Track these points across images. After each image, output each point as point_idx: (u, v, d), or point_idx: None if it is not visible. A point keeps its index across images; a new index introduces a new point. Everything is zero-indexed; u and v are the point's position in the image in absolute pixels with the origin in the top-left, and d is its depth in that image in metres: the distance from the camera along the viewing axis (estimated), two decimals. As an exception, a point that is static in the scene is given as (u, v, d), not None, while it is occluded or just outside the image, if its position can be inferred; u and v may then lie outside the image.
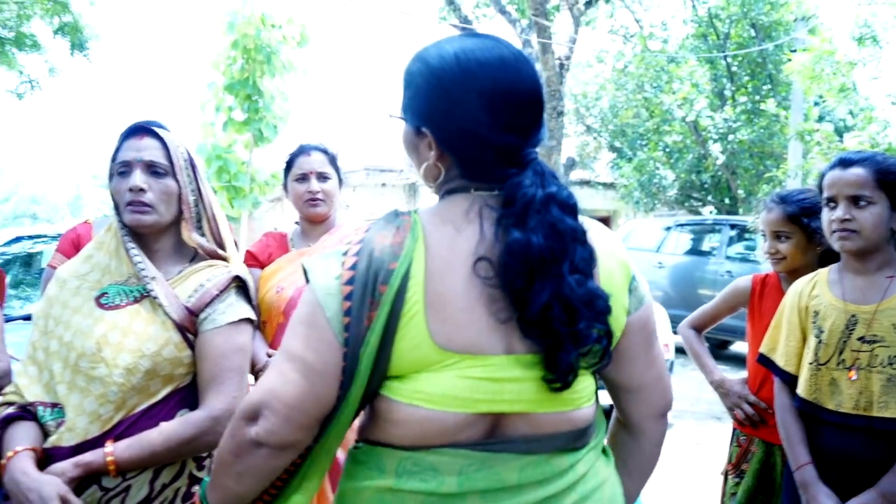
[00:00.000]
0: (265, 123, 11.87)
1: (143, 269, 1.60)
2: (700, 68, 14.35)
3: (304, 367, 1.01)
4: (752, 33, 14.78)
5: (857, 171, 1.79)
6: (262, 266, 2.41)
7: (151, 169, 1.63)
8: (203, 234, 1.69)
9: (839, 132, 11.03)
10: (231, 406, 1.54)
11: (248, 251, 2.48)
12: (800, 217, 2.20)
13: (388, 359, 1.00)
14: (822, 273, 1.97)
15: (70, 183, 42.30)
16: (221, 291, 1.62)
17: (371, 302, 0.98)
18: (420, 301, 0.99)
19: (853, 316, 1.82)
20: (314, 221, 2.43)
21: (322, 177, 2.40)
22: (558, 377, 1.02)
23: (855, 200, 1.79)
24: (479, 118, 1.05)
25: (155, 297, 1.57)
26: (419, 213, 1.09)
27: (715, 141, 14.09)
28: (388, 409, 1.03)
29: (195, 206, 1.68)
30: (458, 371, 1.00)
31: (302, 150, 2.45)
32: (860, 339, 1.79)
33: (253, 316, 1.66)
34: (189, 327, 1.58)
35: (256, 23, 11.35)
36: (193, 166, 1.68)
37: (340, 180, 2.48)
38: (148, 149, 1.63)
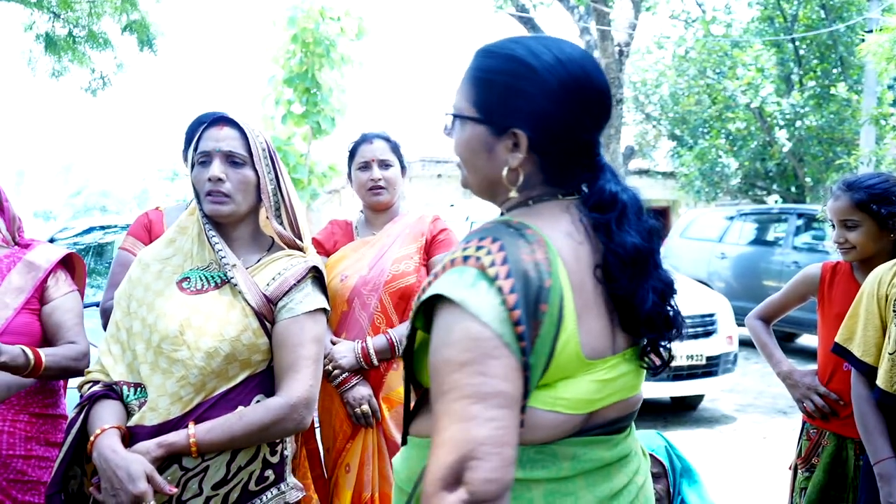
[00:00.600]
0: (323, 116, 12.02)
1: (223, 257, 1.64)
2: (766, 52, 13.88)
3: (505, 400, 0.93)
4: (822, 14, 14.21)
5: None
6: (328, 254, 2.44)
7: (230, 159, 1.66)
8: (282, 224, 1.72)
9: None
10: (308, 394, 1.58)
11: (313, 238, 2.50)
12: (869, 204, 2.10)
13: (542, 374, 1.00)
14: None
15: (137, 177, 43.70)
16: (299, 281, 1.65)
17: (535, 323, 0.96)
18: (572, 315, 1.01)
19: None
20: (377, 210, 2.45)
21: (384, 164, 2.41)
22: (661, 364, 1.14)
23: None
24: (582, 120, 1.08)
25: (235, 284, 1.61)
26: (534, 226, 1.05)
27: (781, 127, 13.60)
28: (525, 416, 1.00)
29: (274, 196, 1.70)
30: (591, 376, 1.04)
31: (364, 139, 2.46)
32: None
33: (328, 306, 1.69)
34: (267, 315, 1.61)
35: (316, 16, 11.48)
36: (273, 155, 1.71)
37: (403, 168, 2.49)
38: (227, 139, 1.67)
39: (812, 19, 14.37)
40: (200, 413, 1.55)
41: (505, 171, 1.09)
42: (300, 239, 1.76)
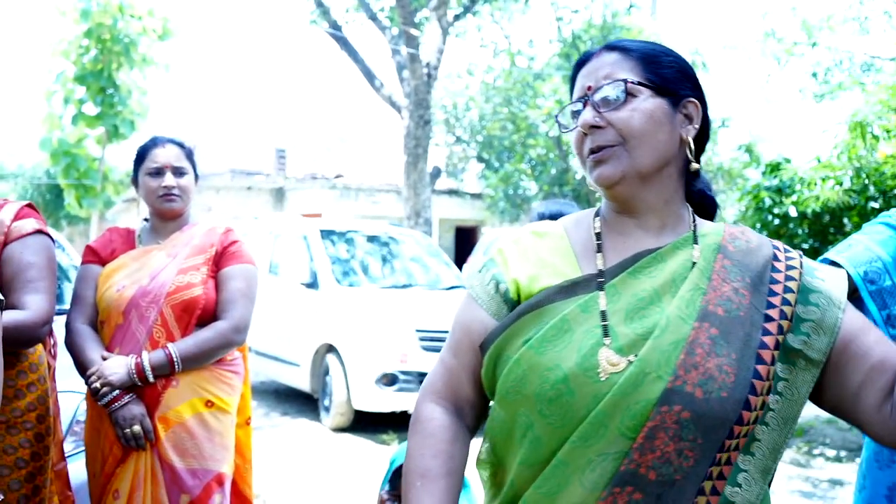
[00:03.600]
0: (121, 119, 11.23)
1: None
2: (564, 86, 15.02)
3: None
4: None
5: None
6: (103, 263, 2.26)
7: None
8: None
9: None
10: None
11: (87, 246, 2.32)
12: None
13: None
14: None
15: None
16: None
17: None
18: None
19: None
20: (167, 218, 2.31)
21: (178, 171, 2.28)
22: None
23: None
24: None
25: None
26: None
27: (575, 156, 14.73)
28: None
29: None
30: None
31: (156, 142, 2.32)
32: None
33: (1, 297, 1.52)
34: None
35: (114, 11, 10.72)
36: None
37: (197, 176, 2.38)
38: None
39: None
40: None
41: (682, 139, 1.10)
42: None
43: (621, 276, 1.07)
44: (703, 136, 1.14)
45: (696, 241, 1.08)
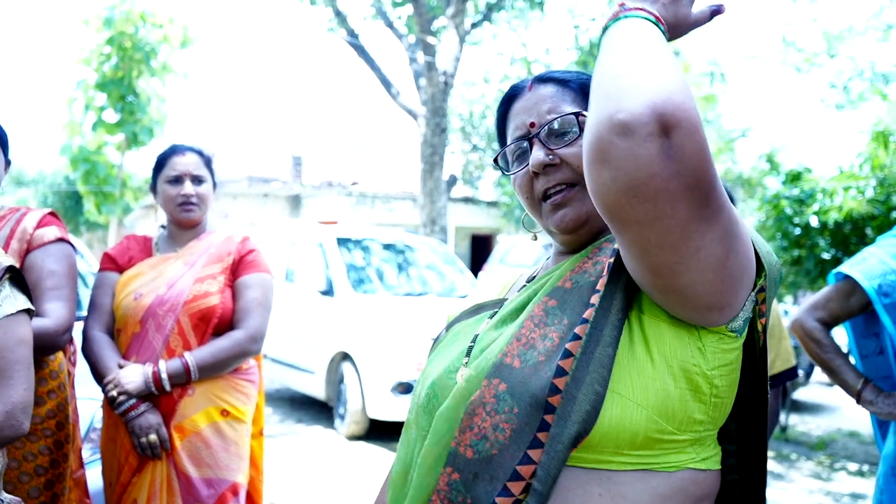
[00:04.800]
0: (140, 126, 11.33)
1: None
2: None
3: None
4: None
5: None
6: (121, 270, 2.26)
7: None
8: None
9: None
10: (24, 399, 1.50)
11: (105, 253, 2.32)
12: None
13: None
14: None
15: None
16: None
17: None
18: None
19: None
20: (185, 226, 2.32)
21: (197, 179, 2.28)
22: None
23: None
24: None
25: None
26: None
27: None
28: None
29: None
30: None
31: (175, 150, 2.33)
32: None
33: (32, 306, 1.60)
34: None
35: (136, 20, 10.83)
36: None
37: (215, 184, 2.38)
38: None
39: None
40: None
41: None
42: None
43: (519, 293, 1.05)
44: None
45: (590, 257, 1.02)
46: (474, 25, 11.84)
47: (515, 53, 17.32)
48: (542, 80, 1.06)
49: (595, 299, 0.91)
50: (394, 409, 5.77)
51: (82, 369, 2.14)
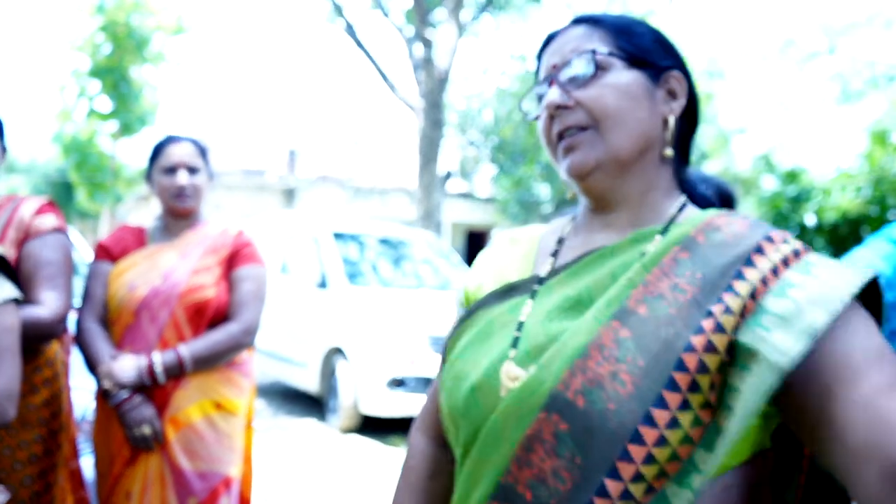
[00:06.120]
0: (133, 115, 11.26)
1: None
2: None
3: None
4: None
5: None
6: (115, 260, 2.23)
7: None
8: None
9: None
10: (9, 386, 1.52)
11: (99, 243, 2.29)
12: None
13: None
14: None
15: None
16: None
17: None
18: None
19: None
20: (180, 216, 2.29)
21: (192, 170, 2.26)
22: None
23: None
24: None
25: None
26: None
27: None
28: None
29: None
30: None
31: (171, 140, 2.30)
32: None
33: (19, 295, 1.59)
34: None
35: (128, 7, 10.74)
36: None
37: (210, 175, 2.35)
38: None
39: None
40: None
41: (663, 123, 0.94)
42: None
43: (559, 277, 0.92)
44: (691, 118, 0.98)
45: (662, 234, 0.90)
46: (473, 19, 11.79)
47: (514, 48, 17.29)
48: (578, 20, 0.99)
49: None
50: (387, 404, 5.74)
51: (75, 360, 2.11)
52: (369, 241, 7.30)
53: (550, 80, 0.95)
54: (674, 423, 0.75)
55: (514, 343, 0.88)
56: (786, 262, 0.80)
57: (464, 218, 19.16)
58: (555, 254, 0.98)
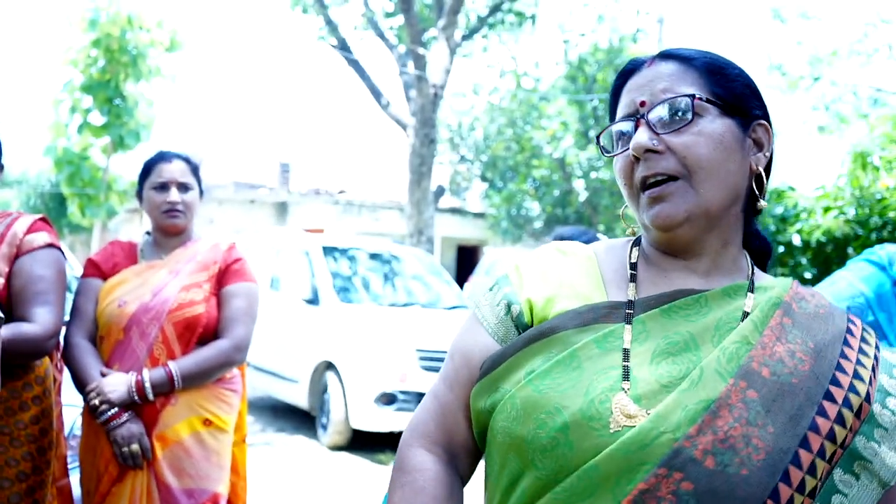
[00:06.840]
0: (126, 129, 11.26)
1: None
2: (568, 108, 15.10)
3: None
4: (616, 79, 15.80)
5: None
6: (105, 277, 2.24)
7: None
8: None
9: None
10: None
11: (89, 259, 2.30)
12: None
13: None
14: None
15: None
16: None
17: None
18: None
19: None
20: (170, 233, 2.30)
21: (183, 187, 2.28)
22: None
23: None
24: None
25: None
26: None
27: (579, 178, 14.82)
28: None
29: None
30: None
31: (162, 157, 2.32)
32: None
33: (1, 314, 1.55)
34: None
35: (122, 23, 10.78)
36: None
37: (201, 192, 2.37)
38: None
39: (608, 82, 15.92)
40: None
41: (748, 176, 0.91)
42: None
43: (653, 312, 0.87)
44: (768, 167, 0.94)
45: (751, 291, 0.89)
46: (465, 38, 11.90)
47: (505, 66, 17.44)
48: (665, 56, 0.93)
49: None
50: (377, 420, 5.75)
51: (67, 376, 2.12)
52: (360, 256, 7.32)
53: (636, 118, 0.90)
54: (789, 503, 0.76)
55: (626, 375, 0.83)
56: (868, 354, 0.86)
57: (455, 233, 19.19)
58: (632, 279, 0.93)
